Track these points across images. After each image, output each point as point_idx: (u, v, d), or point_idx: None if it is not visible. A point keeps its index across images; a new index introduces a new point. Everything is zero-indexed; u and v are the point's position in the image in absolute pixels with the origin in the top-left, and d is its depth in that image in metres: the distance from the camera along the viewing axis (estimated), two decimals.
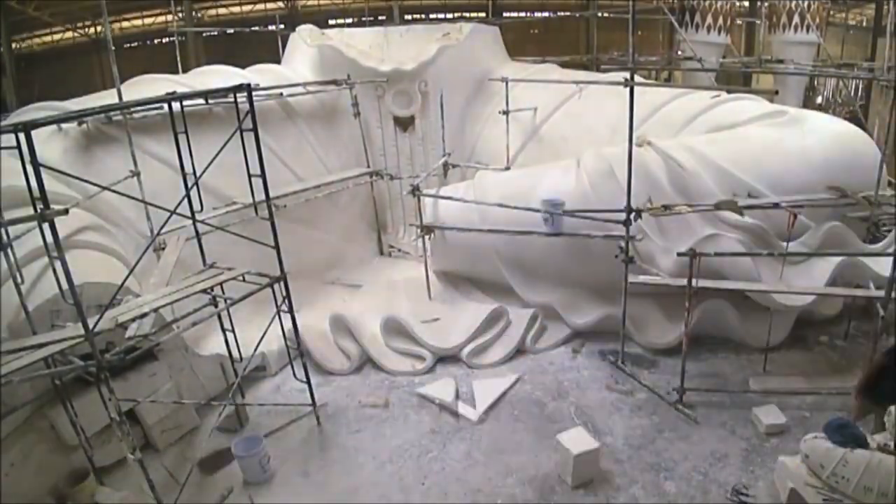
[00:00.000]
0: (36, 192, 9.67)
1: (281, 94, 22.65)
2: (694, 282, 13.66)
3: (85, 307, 10.32)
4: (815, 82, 43.57)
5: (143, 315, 11.51)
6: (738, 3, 35.38)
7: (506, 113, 23.54)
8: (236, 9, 51.60)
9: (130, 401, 13.00)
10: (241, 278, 13.74)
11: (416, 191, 18.48)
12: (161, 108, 16.61)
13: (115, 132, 18.53)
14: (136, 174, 16.49)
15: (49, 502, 12.12)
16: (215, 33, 45.56)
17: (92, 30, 50.56)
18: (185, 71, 26.20)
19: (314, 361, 17.00)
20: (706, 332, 17.07)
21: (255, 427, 14.76)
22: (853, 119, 25.88)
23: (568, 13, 42.90)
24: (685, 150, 16.79)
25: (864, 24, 50.95)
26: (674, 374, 15.33)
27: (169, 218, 12.47)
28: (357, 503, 12.69)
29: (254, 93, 13.38)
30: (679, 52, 36.82)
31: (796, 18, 32.71)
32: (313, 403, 14.89)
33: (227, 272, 13.81)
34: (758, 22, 36.91)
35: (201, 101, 17.56)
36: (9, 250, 11.23)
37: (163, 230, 13.12)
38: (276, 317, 14.44)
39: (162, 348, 13.93)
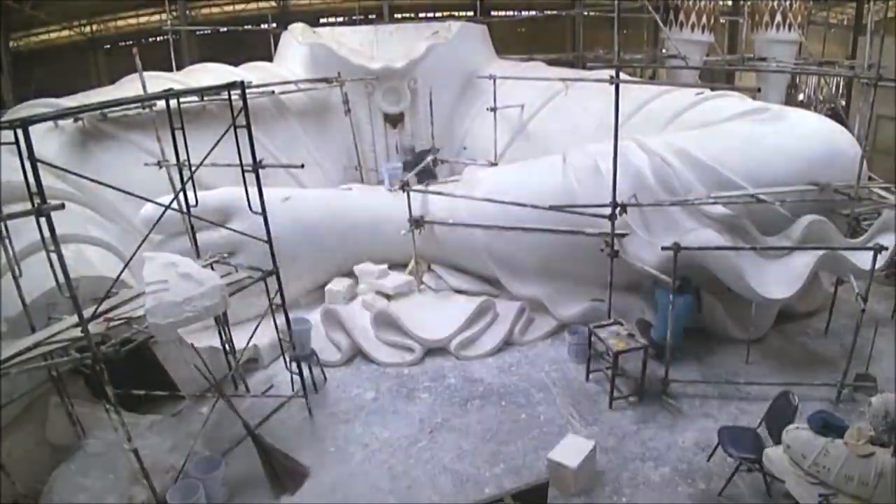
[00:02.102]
0: (33, 188, 9.68)
1: (273, 91, 22.65)
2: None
3: (81, 300, 10.33)
4: (797, 80, 43.55)
5: (137, 318, 11.54)
6: (721, 3, 35.39)
7: (493, 110, 23.62)
8: (229, 7, 51.56)
9: (125, 391, 12.99)
10: (235, 270, 13.77)
11: (405, 186, 18.47)
12: (154, 104, 16.70)
13: (110, 129, 18.57)
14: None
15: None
16: (208, 32, 45.53)
17: (88, 28, 50.57)
18: (178, 69, 26.21)
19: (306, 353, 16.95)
20: (692, 325, 17.08)
21: (249, 417, 14.77)
22: (834, 116, 25.88)
23: (554, 12, 42.92)
24: (670, 146, 16.81)
25: (845, 22, 51.00)
26: (659, 366, 15.35)
27: (164, 212, 12.48)
28: (347, 492, 12.72)
29: (247, 90, 13.36)
30: (663, 51, 36.79)
31: (778, 17, 32.76)
32: (305, 395, 14.90)
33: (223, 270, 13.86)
34: (741, 21, 36.97)
35: (196, 97, 17.57)
36: (7, 244, 11.27)
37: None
38: (269, 310, 14.46)
39: (156, 341, 13.91)
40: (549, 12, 42.90)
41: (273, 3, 50.29)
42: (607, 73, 15.47)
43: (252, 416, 14.58)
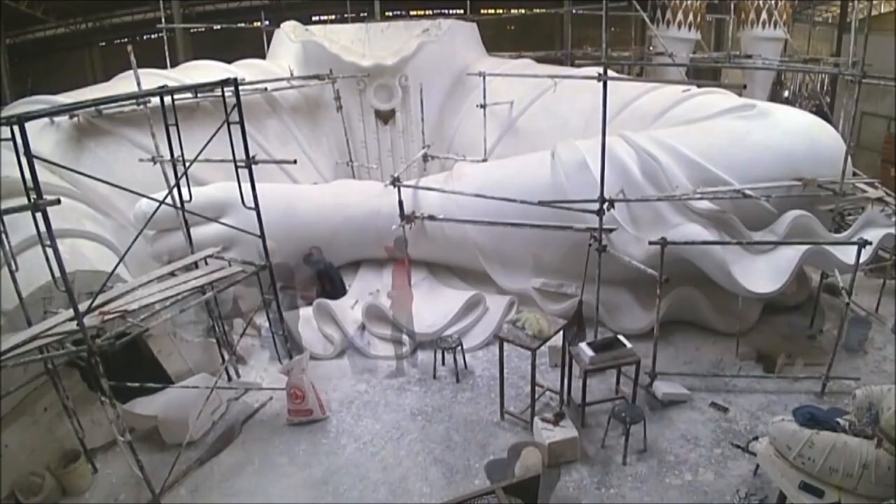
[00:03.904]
0: (29, 183, 9.68)
1: (265, 88, 22.65)
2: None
3: (76, 294, 10.34)
4: (783, 77, 43.65)
5: (132, 311, 11.55)
6: (707, 0, 35.43)
7: (483, 106, 23.63)
8: (223, 5, 51.47)
9: (120, 384, 12.98)
10: (228, 264, 13.77)
11: (395, 181, 18.49)
12: (149, 101, 16.68)
13: (105, 125, 18.56)
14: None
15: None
16: (202, 29, 45.44)
17: (83, 26, 50.52)
18: (173, 66, 26.18)
19: (298, 346, 17.00)
20: (679, 319, 17.19)
21: (242, 409, 14.82)
22: (819, 112, 25.96)
23: (543, 10, 42.94)
24: (657, 142, 16.83)
25: (830, 20, 51.12)
26: (646, 358, 15.31)
27: (158, 207, 12.49)
28: (339, 483, 12.73)
29: (240, 87, 13.37)
30: (651, 48, 36.84)
31: (764, 15, 32.82)
32: None
33: (217, 265, 13.88)
34: (727, 18, 36.97)
35: (190, 94, 17.57)
36: (4, 239, 11.28)
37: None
38: (262, 303, 14.48)
39: (151, 334, 13.93)
40: (537, 10, 42.89)
41: (266, 1, 50.25)
42: (595, 70, 15.46)
43: (245, 407, 14.68)
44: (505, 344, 14.59)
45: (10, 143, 10.06)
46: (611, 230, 15.43)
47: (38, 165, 9.65)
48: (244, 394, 15.38)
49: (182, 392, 14.06)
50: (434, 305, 18.27)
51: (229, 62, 24.53)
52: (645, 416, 13.38)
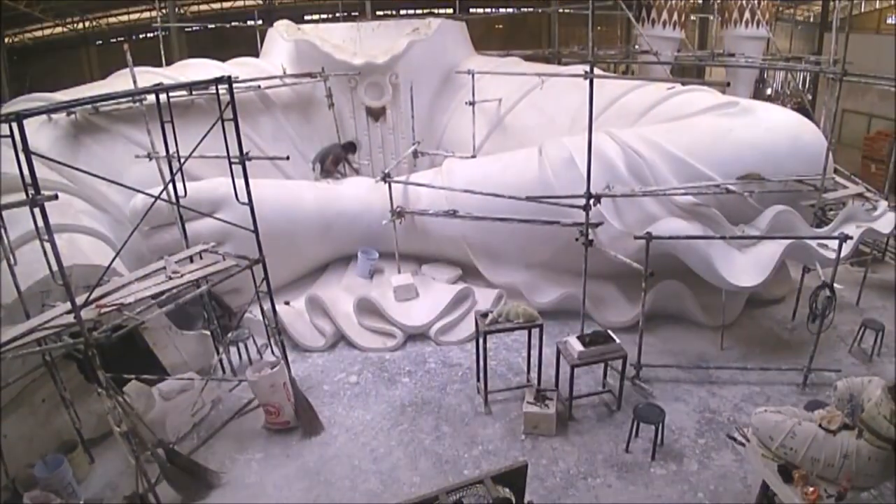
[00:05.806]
0: (28, 179, 9.67)
1: (259, 85, 22.62)
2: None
3: (74, 288, 10.34)
4: (765, 75, 43.74)
5: (128, 304, 11.54)
6: (691, 0, 35.46)
7: (472, 104, 23.62)
8: (216, 5, 51.41)
9: (116, 375, 12.96)
10: (222, 258, 13.76)
11: (386, 177, 18.48)
12: (145, 98, 16.64)
13: (101, 122, 18.51)
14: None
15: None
16: (197, 28, 45.43)
17: (80, 25, 50.43)
18: (168, 64, 26.13)
19: (291, 339, 17.06)
20: (663, 312, 17.23)
21: (236, 400, 14.85)
22: (801, 109, 25.99)
23: (531, 9, 42.97)
24: (642, 139, 16.85)
25: (811, 19, 51.18)
26: (631, 351, 15.28)
27: (154, 202, 12.49)
28: (330, 473, 12.75)
29: (234, 84, 13.34)
30: (636, 46, 36.83)
31: (747, 14, 32.81)
32: (291, 379, 14.84)
33: (213, 259, 13.86)
34: (710, 17, 37.03)
35: (184, 92, 17.53)
36: (3, 234, 11.27)
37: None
38: (256, 297, 14.48)
39: (147, 327, 13.91)
40: (525, 9, 42.96)
41: (259, 1, 50.20)
42: (582, 68, 15.45)
43: (239, 399, 14.67)
44: (491, 336, 14.67)
45: (9, 139, 10.05)
46: (597, 225, 15.45)
47: (36, 162, 9.62)
48: (237, 385, 15.39)
49: (167, 392, 14.18)
50: (424, 299, 18.29)
51: (223, 60, 24.46)
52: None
